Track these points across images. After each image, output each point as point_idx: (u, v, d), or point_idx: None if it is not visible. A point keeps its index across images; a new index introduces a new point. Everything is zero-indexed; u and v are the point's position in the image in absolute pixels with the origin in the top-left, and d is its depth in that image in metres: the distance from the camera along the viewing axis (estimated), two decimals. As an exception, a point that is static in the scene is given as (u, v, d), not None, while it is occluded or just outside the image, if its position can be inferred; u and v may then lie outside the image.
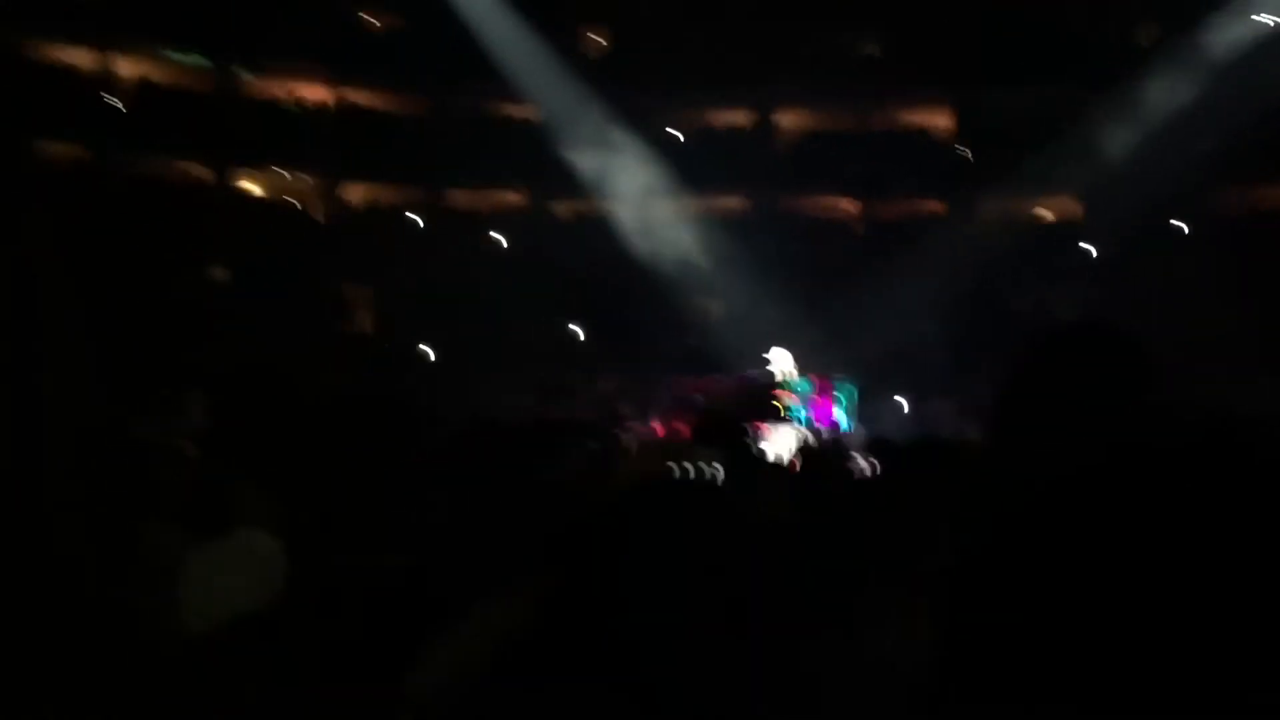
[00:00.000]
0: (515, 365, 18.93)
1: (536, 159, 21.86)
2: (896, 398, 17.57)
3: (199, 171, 23.07)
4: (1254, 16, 19.94)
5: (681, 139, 24.84)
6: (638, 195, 23.10)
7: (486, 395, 17.37)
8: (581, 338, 19.83)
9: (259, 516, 2.45)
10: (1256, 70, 19.38)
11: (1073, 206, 23.26)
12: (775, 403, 12.69)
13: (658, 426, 12.84)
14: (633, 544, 1.12)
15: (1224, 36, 20.03)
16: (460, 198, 23.71)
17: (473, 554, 1.23)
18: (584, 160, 21.86)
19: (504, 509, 1.22)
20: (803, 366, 13.38)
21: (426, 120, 22.47)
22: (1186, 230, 20.63)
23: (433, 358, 19.42)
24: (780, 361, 12.59)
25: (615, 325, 18.95)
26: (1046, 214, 23.84)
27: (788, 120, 25.20)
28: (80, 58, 22.29)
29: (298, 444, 2.37)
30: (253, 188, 24.40)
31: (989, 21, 21.43)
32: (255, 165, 23.65)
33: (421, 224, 23.64)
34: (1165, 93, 20.05)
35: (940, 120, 24.29)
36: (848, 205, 24.48)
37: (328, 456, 2.21)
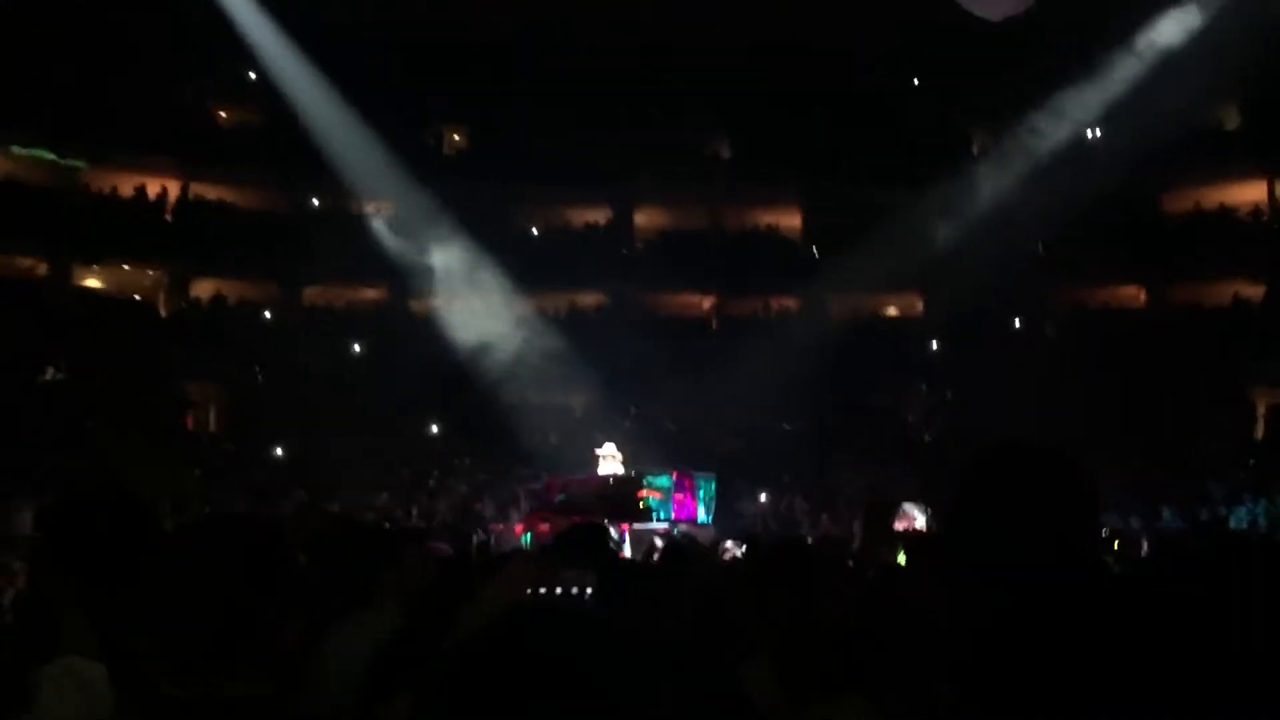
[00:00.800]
0: (371, 465, 18.47)
1: (391, 256, 21.64)
2: (760, 493, 17.78)
3: (38, 267, 22.11)
4: (1077, 118, 21.33)
5: (537, 235, 25.05)
6: (495, 292, 23.11)
7: (343, 496, 16.89)
8: (436, 434, 19.47)
9: (86, 642, 2.27)
10: (1082, 169, 20.78)
11: (915, 301, 24.22)
12: (639, 501, 12.67)
13: (519, 527, 12.64)
14: (505, 684, 1.06)
15: (1050, 139, 21.34)
16: (315, 294, 23.26)
17: (324, 683, 1.14)
18: (440, 258, 21.71)
19: (356, 632, 1.13)
20: (655, 460, 13.46)
21: (281, 216, 22.06)
22: (1019, 324, 21.65)
23: (281, 455, 18.76)
24: (609, 455, 12.67)
25: (473, 424, 18.71)
26: (891, 309, 24.75)
27: (645, 218, 25.70)
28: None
29: (131, 564, 2.23)
30: (95, 283, 23.47)
31: (836, 124, 22.37)
32: (98, 260, 22.80)
33: (275, 320, 23.07)
34: (997, 191, 21.16)
35: (789, 219, 25.13)
36: (704, 301, 24.96)
37: (166, 577, 2.08)
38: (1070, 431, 17.52)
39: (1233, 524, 13.80)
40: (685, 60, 22.07)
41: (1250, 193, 22.84)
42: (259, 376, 21.17)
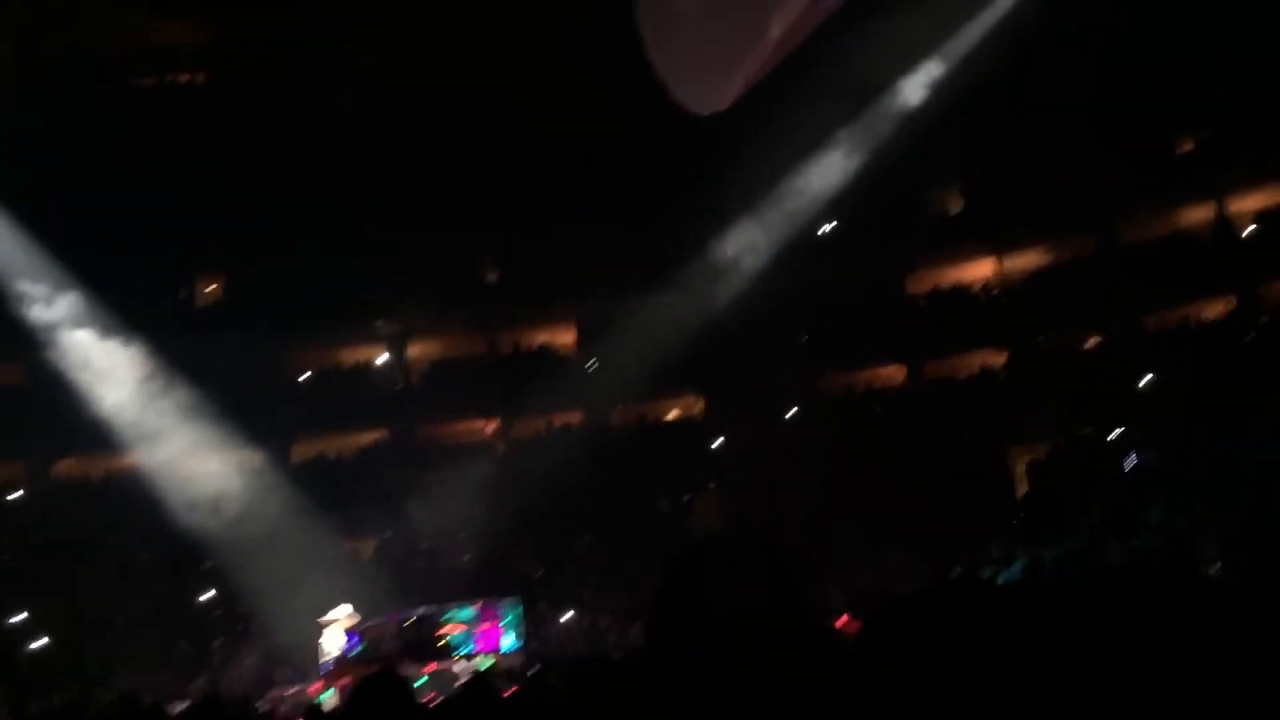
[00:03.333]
0: (150, 638, 17.13)
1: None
2: (566, 612, 17.51)
3: None
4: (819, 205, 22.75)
5: (308, 379, 24.38)
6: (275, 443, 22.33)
7: (119, 681, 15.55)
8: (213, 599, 18.23)
9: None
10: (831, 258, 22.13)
11: (694, 402, 24.84)
12: (439, 639, 12.27)
13: (316, 685, 11.93)
14: None
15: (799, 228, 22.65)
16: (68, 467, 21.60)
17: None
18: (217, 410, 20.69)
19: None
20: (454, 595, 13.12)
21: (22, 388, 20.47)
22: (796, 410, 22.48)
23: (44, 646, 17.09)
24: (338, 615, 12.32)
25: (258, 585, 17.61)
26: (673, 412, 25.27)
27: (419, 350, 25.44)
28: None
29: None
30: None
31: (597, 237, 22.85)
32: None
33: (25, 498, 21.30)
34: (757, 283, 22.19)
35: (564, 335, 25.43)
36: (486, 426, 24.78)
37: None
38: (850, 511, 18.27)
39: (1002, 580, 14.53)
40: (446, 181, 22.20)
41: (980, 269, 24.85)
42: (9, 562, 19.40)
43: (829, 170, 22.40)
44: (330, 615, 12.03)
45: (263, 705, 10.59)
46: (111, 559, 19.06)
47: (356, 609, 13.88)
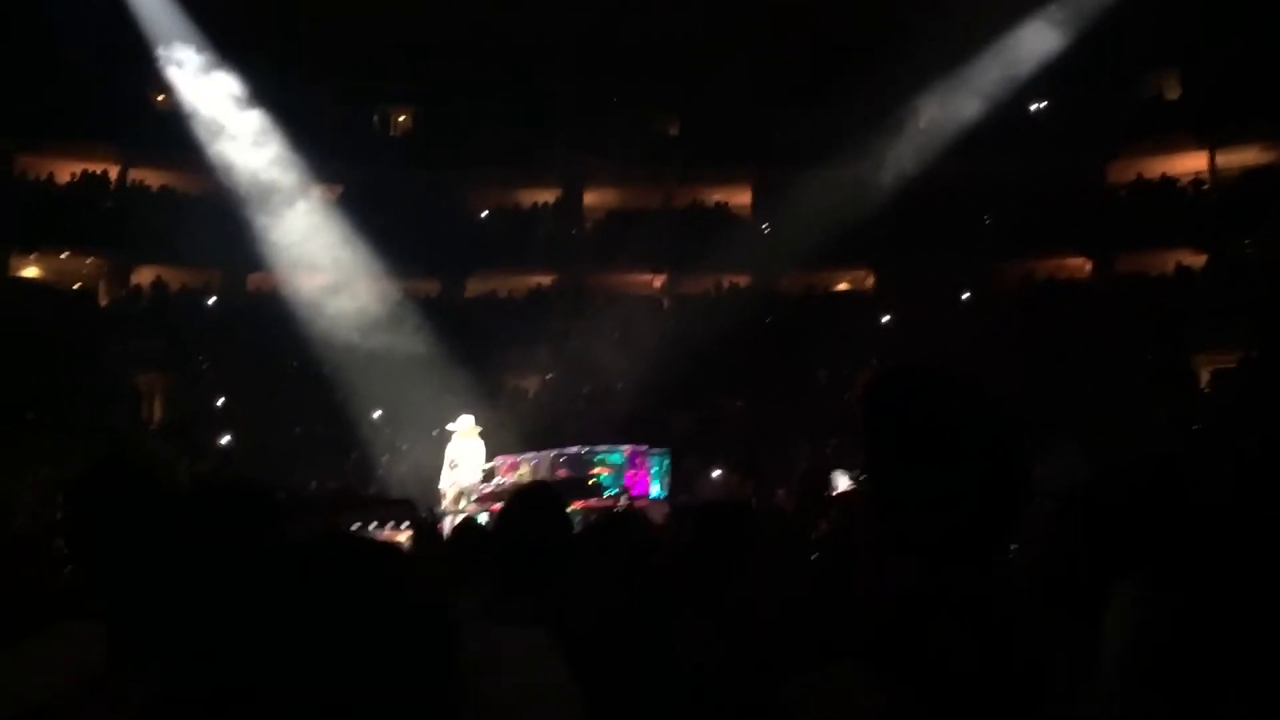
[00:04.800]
0: (320, 450, 18.25)
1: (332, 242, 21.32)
2: (713, 470, 17.75)
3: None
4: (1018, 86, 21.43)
5: (486, 216, 24.91)
6: (432, 276, 23.10)
7: (294, 481, 16.67)
8: (381, 418, 19.17)
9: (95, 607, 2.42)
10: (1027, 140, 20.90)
11: (865, 276, 24.36)
12: (590, 478, 12.61)
13: (471, 507, 12.50)
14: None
15: (991, 108, 21.47)
16: (259, 279, 22.82)
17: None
18: (398, 240, 21.44)
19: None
20: (611, 439, 13.39)
21: (222, 200, 21.56)
22: (967, 297, 21.81)
23: (228, 443, 18.47)
24: (463, 424, 12.54)
25: (413, 407, 18.39)
26: (843, 284, 24.86)
27: (594, 198, 25.61)
28: None
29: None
30: (31, 272, 22.99)
31: (785, 101, 22.30)
32: (35, 248, 22.36)
33: (218, 307, 22.73)
34: (943, 163, 21.27)
35: (740, 196, 25.14)
36: (654, 280, 24.93)
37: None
38: (1017, 404, 17.74)
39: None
40: (635, 36, 21.89)
41: (1191, 162, 23.17)
42: (204, 365, 20.84)
43: (1034, 42, 20.99)
44: (456, 424, 12.41)
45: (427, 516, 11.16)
46: (294, 370, 20.25)
47: (514, 446, 14.37)
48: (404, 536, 8.47)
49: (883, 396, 1.74)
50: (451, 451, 12.37)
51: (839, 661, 1.58)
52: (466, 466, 12.29)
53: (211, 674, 1.07)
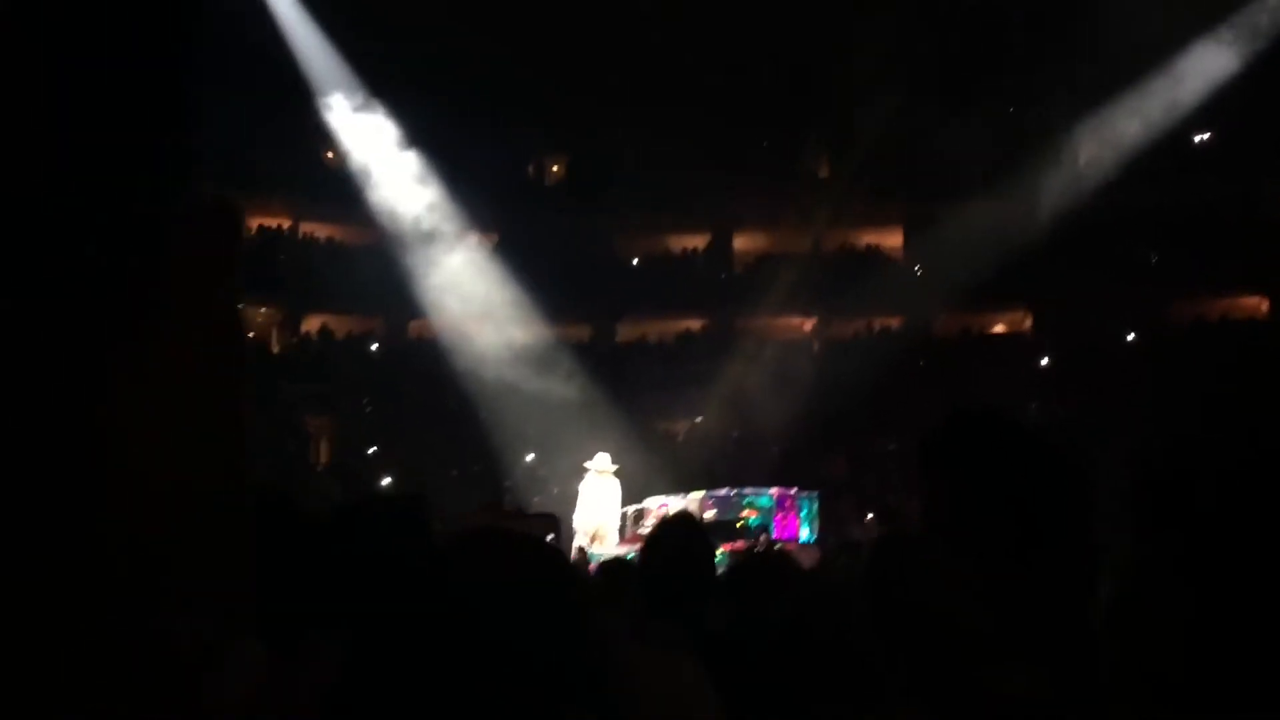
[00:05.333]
0: (476, 492, 18.69)
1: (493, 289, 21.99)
2: (867, 514, 17.46)
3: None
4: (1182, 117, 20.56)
5: (637, 263, 25.27)
6: (587, 322, 23.53)
7: (448, 523, 17.09)
8: (533, 461, 19.57)
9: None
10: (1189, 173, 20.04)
11: (1023, 318, 23.68)
12: (739, 520, 12.61)
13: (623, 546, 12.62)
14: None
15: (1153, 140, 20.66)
16: (419, 327, 23.63)
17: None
18: (551, 285, 21.99)
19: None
20: (761, 481, 13.33)
21: (385, 251, 22.48)
22: (1133, 338, 20.96)
23: (388, 485, 19.12)
24: (599, 463, 12.48)
25: (564, 450, 18.70)
26: (999, 326, 24.22)
27: (743, 242, 25.70)
28: None
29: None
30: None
31: (933, 136, 21.95)
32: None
33: (381, 353, 23.64)
34: (1101, 198, 20.51)
35: (891, 238, 24.84)
36: (804, 324, 24.79)
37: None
38: (1188, 454, 16.82)
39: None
40: (784, 74, 21.92)
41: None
42: (367, 408, 21.68)
43: (1207, 66, 20.06)
44: (593, 462, 12.43)
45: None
46: (452, 413, 20.86)
47: (665, 489, 14.44)
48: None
49: (942, 445, 1.72)
50: (586, 489, 12.40)
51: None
52: (603, 505, 12.33)
53: (386, 675, 1.14)
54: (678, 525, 3.43)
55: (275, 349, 24.24)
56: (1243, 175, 21.09)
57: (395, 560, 1.59)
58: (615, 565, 5.41)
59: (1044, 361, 21.52)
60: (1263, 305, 22.18)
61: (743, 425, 20.40)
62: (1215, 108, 20.43)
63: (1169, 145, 20.68)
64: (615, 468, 12.59)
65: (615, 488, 12.51)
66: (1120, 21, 17.61)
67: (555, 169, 26.61)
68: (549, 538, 9.09)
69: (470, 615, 1.11)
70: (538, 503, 17.88)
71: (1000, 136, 20.70)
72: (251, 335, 24.22)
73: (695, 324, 24.72)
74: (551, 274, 22.31)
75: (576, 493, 12.77)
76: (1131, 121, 20.71)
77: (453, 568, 1.16)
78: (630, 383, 21.25)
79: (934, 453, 1.81)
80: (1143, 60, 20.00)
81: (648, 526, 12.32)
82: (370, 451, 20.99)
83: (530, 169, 26.11)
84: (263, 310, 24.36)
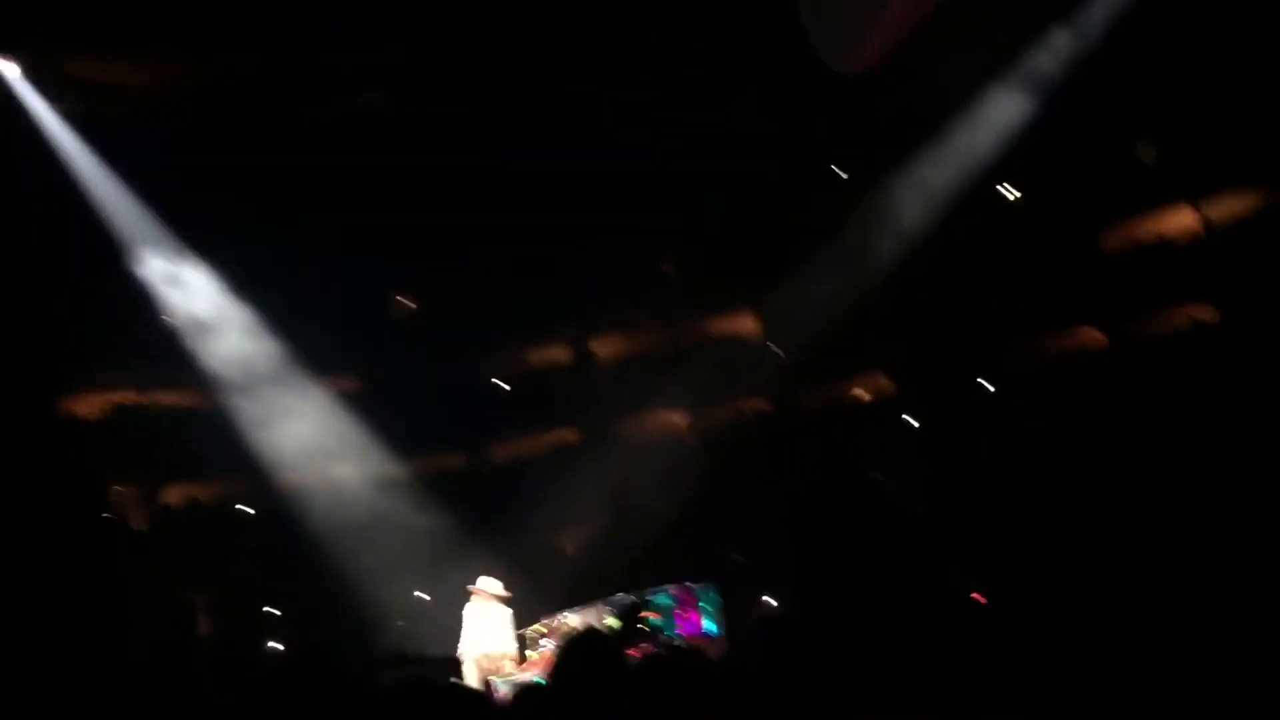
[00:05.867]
0: (365, 638, 18.12)
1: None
2: (765, 598, 17.45)
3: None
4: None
5: (505, 384, 25.18)
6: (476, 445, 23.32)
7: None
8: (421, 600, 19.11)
9: None
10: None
11: (886, 384, 24.36)
12: (641, 623, 12.46)
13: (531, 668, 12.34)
14: None
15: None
16: (288, 479, 22.96)
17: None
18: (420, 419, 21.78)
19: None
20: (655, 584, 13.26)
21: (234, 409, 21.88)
22: (993, 387, 21.72)
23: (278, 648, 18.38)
24: (487, 586, 12.35)
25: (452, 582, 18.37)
26: (864, 394, 24.85)
27: (602, 349, 25.88)
28: None
29: None
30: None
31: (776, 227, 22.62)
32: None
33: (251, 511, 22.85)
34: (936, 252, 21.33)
35: (745, 323, 25.37)
36: (675, 418, 24.99)
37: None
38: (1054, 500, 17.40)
39: None
40: (617, 183, 22.34)
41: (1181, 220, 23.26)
42: (244, 573, 20.93)
43: (997, 121, 21.24)
44: (480, 584, 12.19)
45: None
46: (331, 564, 20.20)
47: (563, 601, 14.21)
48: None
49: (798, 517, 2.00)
50: (473, 615, 12.11)
51: None
52: (496, 631, 12.07)
53: None
54: (583, 642, 3.40)
55: (137, 526, 23.16)
56: (1050, 217, 22.10)
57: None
58: (533, 692, 5.28)
59: (910, 424, 22.10)
60: (1098, 339, 23.28)
61: (630, 528, 20.30)
62: (1014, 154, 21.35)
63: (981, 192, 21.67)
64: (507, 594, 12.36)
65: (505, 612, 12.26)
66: (925, 75, 18.62)
67: (405, 301, 26.45)
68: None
69: None
70: (432, 639, 17.40)
71: (832, 203, 21.53)
72: (107, 516, 23.16)
73: (570, 435, 24.65)
74: (418, 406, 22.09)
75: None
76: (942, 172, 21.57)
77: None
78: (512, 503, 21.02)
79: (793, 523, 2.06)
80: (947, 110, 21.01)
81: (547, 646, 12.07)
82: (261, 612, 20.20)
83: (382, 306, 25.87)
84: (118, 489, 23.34)
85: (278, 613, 19.74)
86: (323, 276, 21.37)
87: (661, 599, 12.62)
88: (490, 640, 11.93)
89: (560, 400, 24.58)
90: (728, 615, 13.63)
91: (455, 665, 10.98)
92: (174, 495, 23.43)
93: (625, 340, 25.78)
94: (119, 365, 22.46)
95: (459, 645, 12.08)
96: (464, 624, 12.09)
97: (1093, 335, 23.28)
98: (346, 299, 22.51)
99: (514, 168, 21.52)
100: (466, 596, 12.38)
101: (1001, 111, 21.27)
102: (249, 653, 18.83)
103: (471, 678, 11.32)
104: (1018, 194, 22.39)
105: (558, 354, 25.79)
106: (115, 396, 23.52)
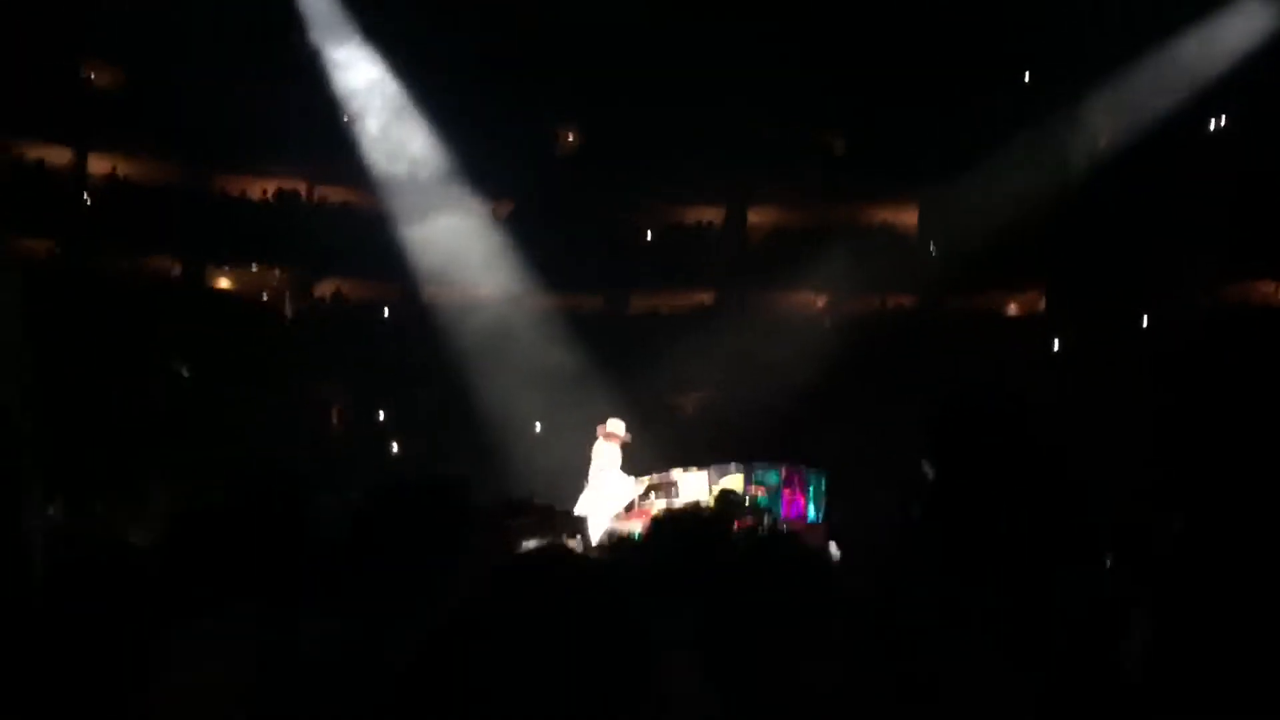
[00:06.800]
0: (481, 460, 18.76)
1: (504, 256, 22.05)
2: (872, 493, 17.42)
3: (169, 266, 23.13)
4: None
5: (651, 235, 25.18)
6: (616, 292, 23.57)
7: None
8: (540, 432, 19.60)
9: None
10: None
11: (1036, 299, 23.56)
12: (746, 497, 12.58)
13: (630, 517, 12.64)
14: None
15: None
16: (433, 292, 23.62)
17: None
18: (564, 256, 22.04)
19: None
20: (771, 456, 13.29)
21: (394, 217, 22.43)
22: (1149, 322, 20.79)
23: (398, 452, 19.24)
24: (618, 428, 12.38)
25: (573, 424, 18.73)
26: (1012, 307, 24.12)
27: (758, 216, 25.58)
28: (52, 155, 22.46)
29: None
30: (224, 283, 24.44)
31: (950, 121, 21.67)
32: (227, 261, 23.80)
33: (393, 319, 23.64)
34: (1120, 179, 20.14)
35: (906, 216, 24.70)
36: (817, 300, 24.71)
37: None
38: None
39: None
40: (796, 53, 21.65)
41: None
42: (378, 375, 21.75)
43: (1229, 37, 19.27)
44: (611, 426, 12.34)
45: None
46: (462, 382, 20.86)
47: (674, 463, 14.40)
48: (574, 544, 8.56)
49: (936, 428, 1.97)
50: (600, 456, 12.28)
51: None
52: (620, 479, 12.29)
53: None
54: (688, 519, 3.43)
55: (289, 313, 24.26)
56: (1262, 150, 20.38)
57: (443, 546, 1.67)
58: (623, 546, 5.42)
59: (1056, 344, 21.39)
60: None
61: (752, 400, 20.35)
62: (1239, 83, 19.59)
63: (1190, 123, 20.16)
64: (628, 437, 12.52)
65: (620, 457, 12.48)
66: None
67: (570, 139, 26.44)
68: (575, 538, 9.02)
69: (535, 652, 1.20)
70: (545, 470, 17.92)
71: (1015, 113, 20.47)
72: (265, 299, 24.32)
73: (707, 298, 24.65)
74: (565, 244, 22.30)
75: (581, 463, 12.70)
76: (1150, 96, 20.07)
77: (515, 600, 1.23)
78: (640, 355, 21.22)
79: (932, 434, 2.06)
80: (1161, 31, 19.47)
81: (652, 500, 12.32)
82: (381, 418, 21.09)
83: (543, 138, 25.94)
84: (276, 273, 24.39)
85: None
86: (496, 102, 21.45)
87: (771, 476, 12.67)
88: (618, 489, 12.10)
89: (705, 261, 24.51)
90: (834, 503, 13.66)
91: (581, 523, 11.17)
92: (325, 288, 24.41)
93: (780, 212, 25.41)
94: (291, 153, 23.19)
95: (587, 487, 12.27)
96: (593, 464, 12.24)
97: (1270, 291, 21.91)
98: (514, 128, 22.60)
99: (701, 24, 21.01)
100: (593, 435, 12.53)
101: (1228, 36, 19.41)
102: (374, 451, 19.77)
103: (598, 527, 11.56)
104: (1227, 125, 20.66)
105: (711, 214, 25.61)
106: (284, 182, 24.39)
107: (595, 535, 9.79)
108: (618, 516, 11.90)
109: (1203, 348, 19.17)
